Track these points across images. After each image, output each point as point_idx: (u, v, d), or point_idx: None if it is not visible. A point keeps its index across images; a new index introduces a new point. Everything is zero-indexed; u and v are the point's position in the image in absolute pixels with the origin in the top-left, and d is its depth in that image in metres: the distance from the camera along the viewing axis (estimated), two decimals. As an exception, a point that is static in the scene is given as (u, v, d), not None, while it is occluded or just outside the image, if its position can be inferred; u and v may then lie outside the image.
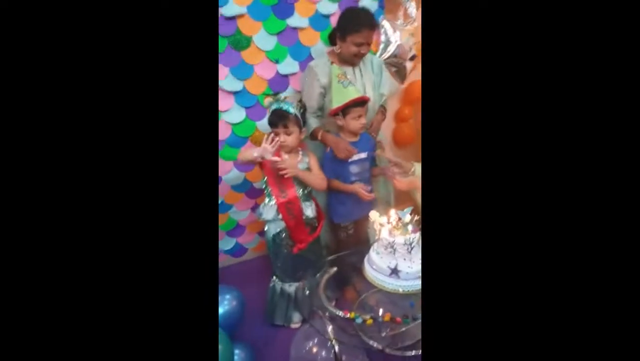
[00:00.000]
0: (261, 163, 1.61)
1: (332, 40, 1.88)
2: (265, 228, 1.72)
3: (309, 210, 1.68)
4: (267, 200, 1.68)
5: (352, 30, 1.70)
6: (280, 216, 1.64)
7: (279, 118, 1.57)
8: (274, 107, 1.58)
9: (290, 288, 1.75)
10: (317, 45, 2.08)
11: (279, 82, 2.05)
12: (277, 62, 2.01)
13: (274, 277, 1.78)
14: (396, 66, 2.40)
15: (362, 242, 1.86)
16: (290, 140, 1.59)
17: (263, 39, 1.94)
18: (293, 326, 1.80)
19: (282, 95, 1.61)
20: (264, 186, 1.68)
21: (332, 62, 1.81)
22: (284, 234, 1.69)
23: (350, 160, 1.73)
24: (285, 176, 1.58)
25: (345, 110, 1.69)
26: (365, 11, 1.74)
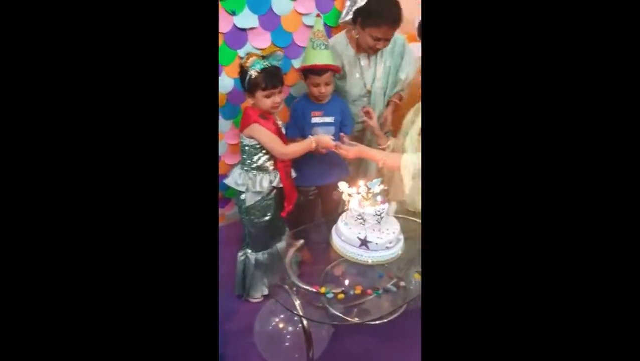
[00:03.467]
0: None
1: (354, 20, 1.71)
2: (242, 197, 1.57)
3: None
4: (256, 172, 1.55)
5: (371, 23, 1.59)
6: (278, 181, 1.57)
7: (273, 77, 1.43)
8: (262, 65, 1.41)
9: (264, 256, 1.67)
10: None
11: (236, 37, 1.86)
12: (233, 14, 1.81)
13: (246, 249, 1.68)
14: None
15: (329, 213, 1.80)
16: (281, 98, 1.50)
17: (217, -14, 1.73)
18: (254, 300, 1.72)
19: (279, 53, 1.47)
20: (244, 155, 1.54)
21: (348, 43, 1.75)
22: (262, 203, 1.58)
23: (313, 122, 1.66)
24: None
25: (305, 73, 1.61)
26: (392, 4, 1.59)
